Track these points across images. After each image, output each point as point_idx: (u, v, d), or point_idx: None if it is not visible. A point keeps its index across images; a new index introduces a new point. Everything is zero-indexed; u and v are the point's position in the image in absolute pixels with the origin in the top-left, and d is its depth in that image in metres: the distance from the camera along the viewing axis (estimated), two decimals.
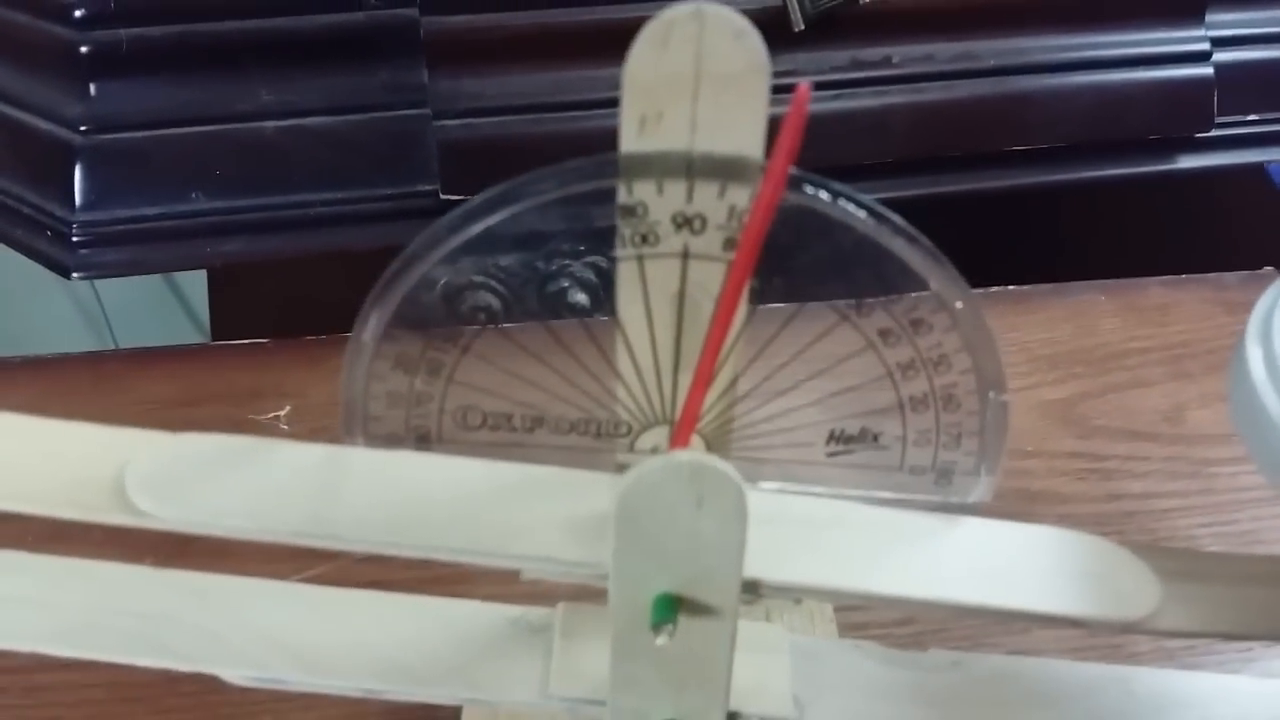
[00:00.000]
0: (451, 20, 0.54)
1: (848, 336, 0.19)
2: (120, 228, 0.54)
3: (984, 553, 0.21)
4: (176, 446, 0.20)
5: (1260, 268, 0.46)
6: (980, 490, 0.21)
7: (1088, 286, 0.45)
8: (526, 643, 0.22)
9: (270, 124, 0.54)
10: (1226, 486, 0.34)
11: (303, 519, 0.19)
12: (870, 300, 0.19)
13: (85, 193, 0.53)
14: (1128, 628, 0.20)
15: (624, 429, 0.21)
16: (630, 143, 0.18)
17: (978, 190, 0.56)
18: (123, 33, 0.53)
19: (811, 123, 0.58)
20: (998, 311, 0.42)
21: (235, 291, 0.75)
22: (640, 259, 0.19)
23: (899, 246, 0.18)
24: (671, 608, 0.19)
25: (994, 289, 0.45)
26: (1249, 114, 0.57)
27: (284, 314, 0.50)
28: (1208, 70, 0.56)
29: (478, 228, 0.20)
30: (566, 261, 0.62)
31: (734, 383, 0.20)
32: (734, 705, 0.20)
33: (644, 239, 0.19)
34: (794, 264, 0.18)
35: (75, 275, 0.55)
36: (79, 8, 0.51)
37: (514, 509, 0.20)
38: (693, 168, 0.18)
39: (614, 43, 0.61)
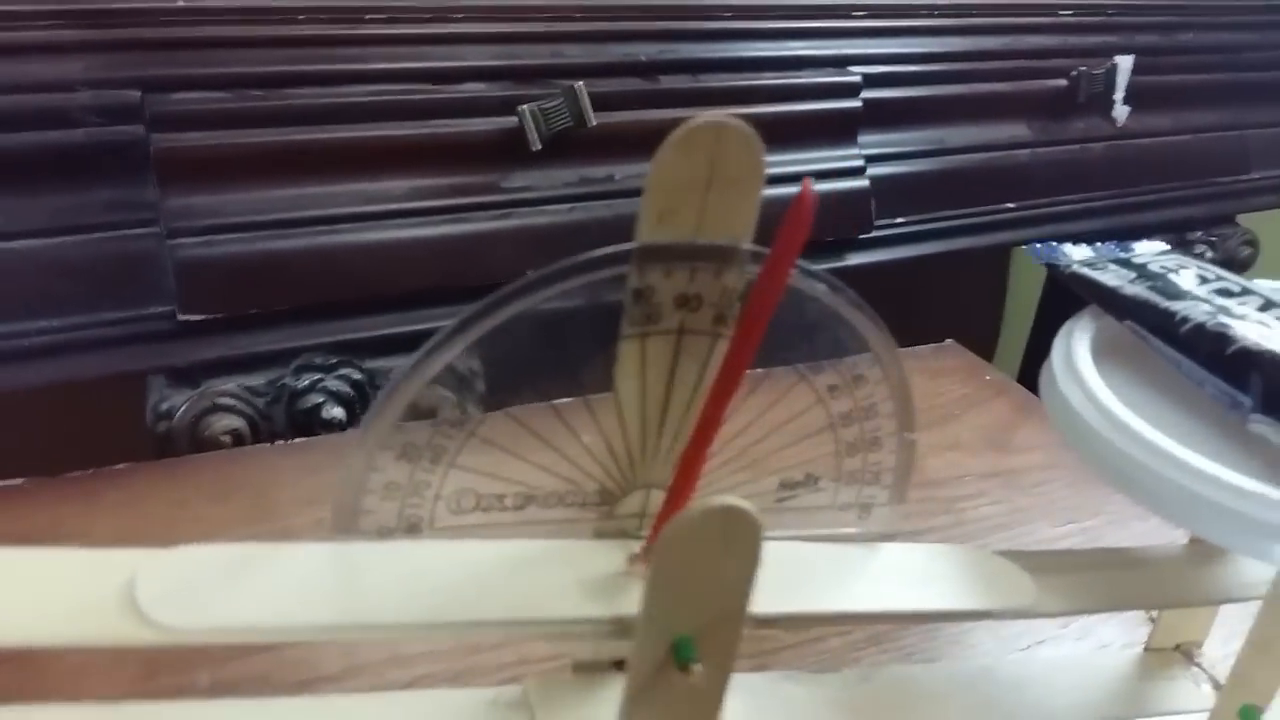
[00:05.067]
0: (184, 137, 0.52)
1: (802, 393, 0.23)
2: None
3: (903, 570, 0.25)
4: (179, 559, 0.19)
5: (941, 340, 0.55)
6: (892, 520, 0.25)
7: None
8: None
9: None
10: (973, 517, 0.42)
11: (331, 613, 0.19)
12: (823, 361, 0.23)
13: None
14: (1019, 614, 0.25)
15: (607, 497, 0.23)
16: (647, 234, 0.20)
17: None
18: None
19: (552, 233, 0.63)
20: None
21: None
22: (644, 336, 0.21)
23: (851, 314, 0.22)
24: (693, 647, 0.21)
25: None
26: (898, 217, 0.69)
27: (22, 450, 0.44)
28: (864, 183, 0.67)
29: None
30: (318, 375, 0.61)
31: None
32: None
33: (648, 318, 0.21)
34: (771, 333, 0.21)
35: None
36: None
37: (527, 578, 0.21)
38: (697, 254, 0.21)
39: (354, 159, 0.62)
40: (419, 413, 0.21)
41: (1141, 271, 0.28)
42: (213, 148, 0.53)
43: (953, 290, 0.96)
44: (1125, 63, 0.76)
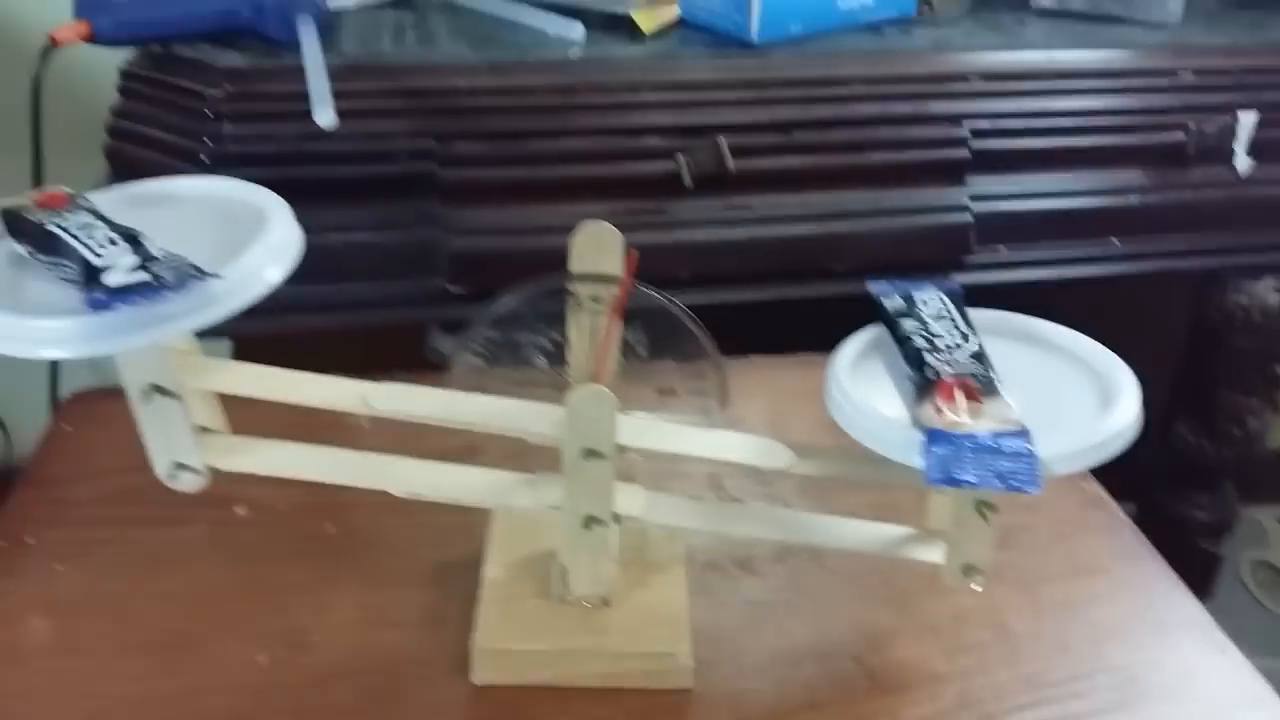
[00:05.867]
0: (460, 172, 0.80)
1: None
2: None
3: (719, 438, 0.46)
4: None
5: None
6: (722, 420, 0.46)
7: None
8: (530, 484, 0.46)
9: (335, 236, 0.79)
10: None
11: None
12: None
13: None
14: (777, 472, 0.44)
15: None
16: (574, 267, 0.43)
17: (811, 295, 0.82)
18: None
19: (701, 248, 0.89)
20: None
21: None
22: (577, 314, 0.44)
23: (685, 321, 0.44)
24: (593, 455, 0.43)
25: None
26: (997, 246, 0.85)
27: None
28: (966, 218, 0.83)
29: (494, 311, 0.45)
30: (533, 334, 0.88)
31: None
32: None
33: (579, 305, 0.44)
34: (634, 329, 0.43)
35: None
36: None
37: (517, 409, 0.45)
38: (597, 279, 0.43)
39: (567, 189, 0.90)
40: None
41: (910, 308, 0.46)
42: (477, 179, 0.80)
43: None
44: (1248, 118, 0.85)
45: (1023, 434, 0.39)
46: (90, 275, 0.36)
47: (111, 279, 0.36)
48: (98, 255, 0.37)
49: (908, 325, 0.44)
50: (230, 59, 0.80)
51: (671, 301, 0.44)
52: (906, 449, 0.40)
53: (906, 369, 0.43)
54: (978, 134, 0.83)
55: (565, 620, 0.47)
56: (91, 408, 0.66)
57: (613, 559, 0.46)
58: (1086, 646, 0.48)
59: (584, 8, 0.88)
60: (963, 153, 0.83)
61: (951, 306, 0.46)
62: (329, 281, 0.79)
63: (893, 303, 0.46)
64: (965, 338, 0.43)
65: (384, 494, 0.59)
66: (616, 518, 0.45)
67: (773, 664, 0.47)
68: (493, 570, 0.50)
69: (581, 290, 0.44)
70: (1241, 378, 0.96)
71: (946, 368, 0.41)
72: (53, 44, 0.80)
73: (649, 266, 0.83)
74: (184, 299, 0.37)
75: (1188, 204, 0.87)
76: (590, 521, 0.44)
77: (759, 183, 0.81)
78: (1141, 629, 0.50)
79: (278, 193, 0.85)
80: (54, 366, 0.99)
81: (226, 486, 0.59)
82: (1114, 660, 0.48)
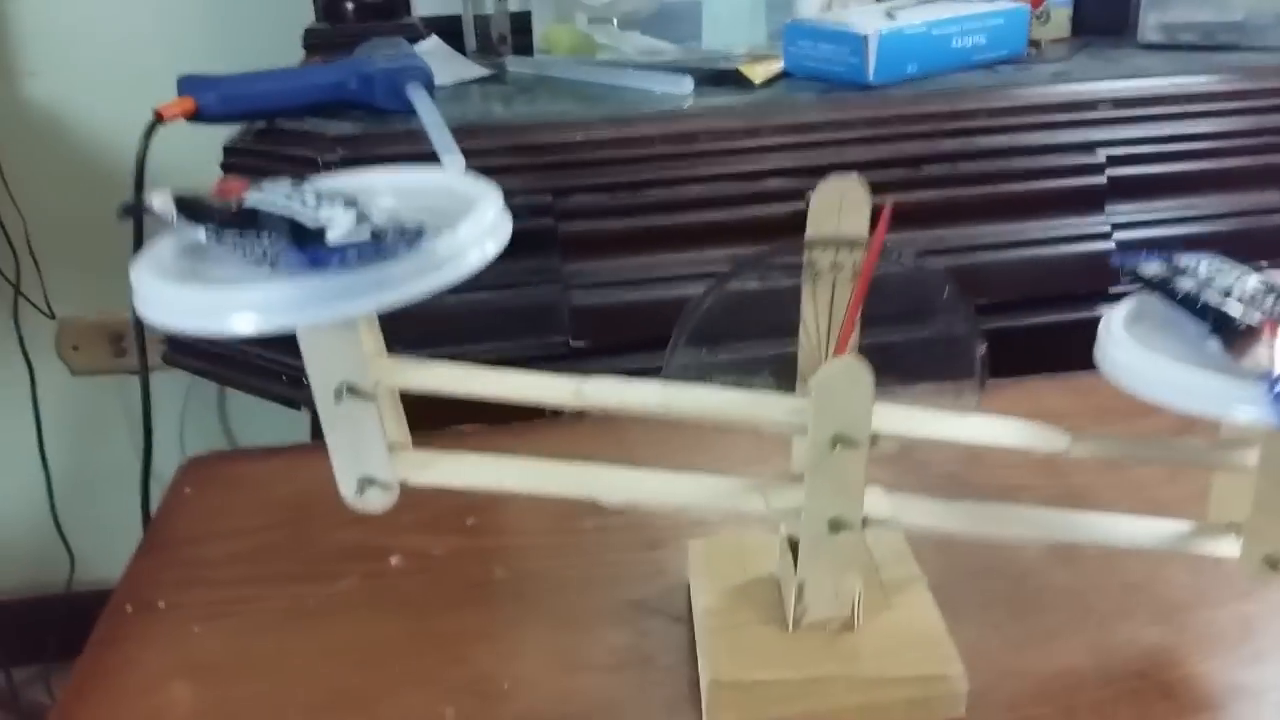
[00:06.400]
0: (577, 224, 0.77)
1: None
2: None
3: (979, 421, 0.40)
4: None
5: None
6: (975, 404, 0.41)
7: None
8: (760, 489, 0.40)
9: (451, 297, 0.76)
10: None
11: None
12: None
13: None
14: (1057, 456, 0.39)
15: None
16: (812, 232, 0.39)
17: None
18: None
19: None
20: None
21: None
22: (814, 285, 0.39)
23: (930, 267, 0.39)
24: (844, 442, 0.38)
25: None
26: None
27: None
28: (1109, 245, 0.79)
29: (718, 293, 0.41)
30: None
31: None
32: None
33: (816, 276, 0.39)
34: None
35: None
36: None
37: (748, 397, 0.40)
38: (840, 242, 0.39)
39: (689, 236, 0.86)
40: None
41: (1178, 270, 0.41)
42: (596, 231, 0.77)
43: None
44: None
45: None
46: (304, 235, 0.32)
47: (333, 235, 0.32)
48: (311, 214, 0.33)
49: (1185, 283, 0.39)
50: (341, 128, 0.79)
51: (925, 263, 0.39)
52: (1234, 400, 0.34)
53: (1197, 326, 0.38)
54: (1113, 161, 0.80)
55: (807, 647, 0.40)
56: (213, 470, 0.61)
57: (859, 573, 0.40)
58: None
59: (688, 67, 0.87)
60: (1100, 180, 0.79)
61: (1223, 261, 0.41)
62: (448, 344, 0.75)
63: (1155, 268, 0.42)
64: (1261, 285, 0.39)
65: (556, 536, 0.54)
66: (865, 521, 0.39)
67: (1051, 688, 0.41)
68: (706, 599, 0.44)
69: (820, 257, 0.39)
70: None
71: (1258, 313, 0.36)
72: (158, 119, 0.78)
73: (777, 312, 0.78)
74: (410, 261, 0.33)
75: None
76: (837, 525, 0.39)
77: (891, 219, 0.77)
78: None
79: None
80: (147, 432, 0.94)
81: (377, 537, 0.54)
82: None
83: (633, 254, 0.77)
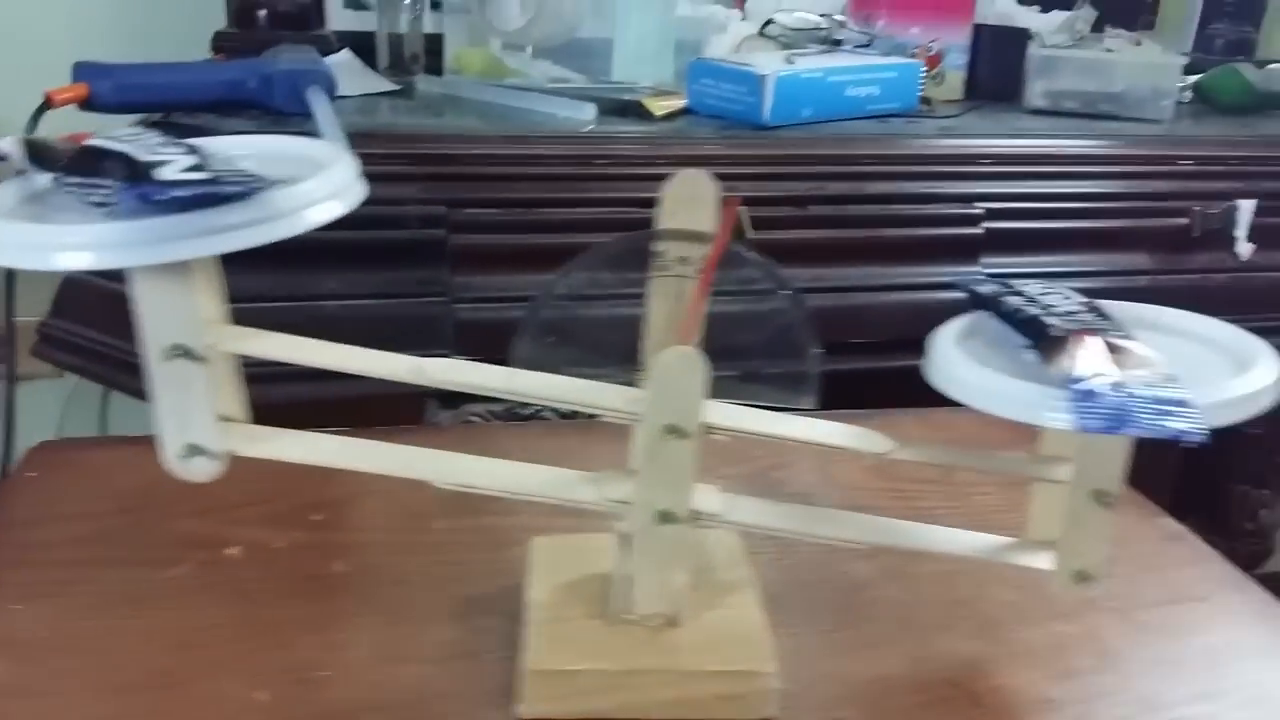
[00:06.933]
0: (470, 238, 0.77)
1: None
2: None
3: (815, 428, 0.41)
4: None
5: None
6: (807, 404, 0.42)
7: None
8: (595, 479, 0.41)
9: (332, 303, 0.75)
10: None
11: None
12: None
13: None
14: (878, 458, 0.40)
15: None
16: (663, 224, 0.40)
17: (829, 369, 0.79)
18: None
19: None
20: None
21: None
22: (661, 277, 0.40)
23: (757, 262, 0.40)
24: (675, 432, 0.38)
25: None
26: None
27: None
28: None
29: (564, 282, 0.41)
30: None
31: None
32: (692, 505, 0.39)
33: (664, 268, 0.40)
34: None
35: None
36: None
37: (587, 384, 0.40)
38: (689, 235, 0.40)
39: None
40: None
41: (1009, 290, 0.43)
42: (487, 246, 0.77)
43: None
44: (1247, 205, 0.87)
45: (1174, 382, 0.35)
46: (137, 172, 0.32)
47: (164, 173, 0.32)
48: (149, 156, 0.33)
49: (1013, 301, 0.41)
50: (236, 125, 0.78)
51: (767, 263, 0.40)
52: (1041, 407, 0.36)
53: (1021, 339, 0.39)
54: (991, 214, 0.83)
55: (629, 640, 0.41)
56: (59, 455, 0.60)
57: (685, 569, 0.41)
58: (1204, 668, 0.43)
59: (593, 96, 0.88)
60: (977, 231, 0.82)
61: (1054, 286, 0.43)
62: None
63: (989, 288, 0.43)
64: (1082, 305, 0.40)
65: (403, 534, 0.53)
66: (694, 516, 0.40)
67: (862, 693, 0.41)
68: (538, 593, 0.44)
69: (669, 250, 0.40)
70: (1250, 468, 0.93)
71: (1072, 325, 0.38)
72: (48, 103, 0.77)
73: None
74: (248, 209, 0.33)
75: (1194, 286, 0.87)
76: (665, 517, 0.39)
77: (775, 254, 0.79)
78: (1259, 649, 0.45)
79: (276, 256, 0.81)
80: (8, 430, 0.91)
81: (218, 528, 0.53)
82: (1237, 680, 0.43)
83: (522, 271, 0.78)
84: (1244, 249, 0.87)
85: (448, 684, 0.42)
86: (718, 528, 0.41)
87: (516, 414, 0.78)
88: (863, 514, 0.42)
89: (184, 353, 0.37)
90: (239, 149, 0.39)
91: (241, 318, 0.75)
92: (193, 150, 0.34)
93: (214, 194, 0.32)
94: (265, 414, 0.58)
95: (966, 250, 0.82)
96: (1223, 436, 1.06)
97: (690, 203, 0.40)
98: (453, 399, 0.77)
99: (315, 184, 0.35)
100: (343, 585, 0.48)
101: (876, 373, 0.79)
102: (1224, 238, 0.87)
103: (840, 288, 0.80)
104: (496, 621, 0.45)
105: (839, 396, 0.62)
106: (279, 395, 0.74)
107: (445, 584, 0.48)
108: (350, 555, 0.51)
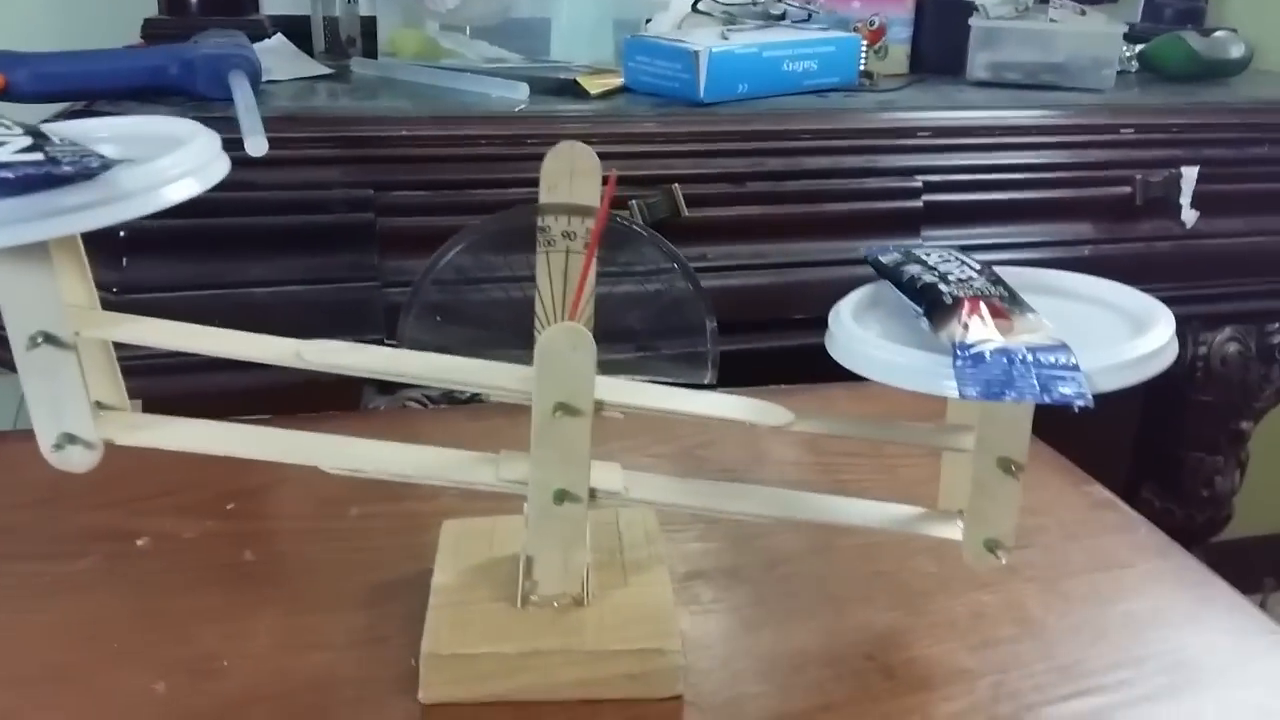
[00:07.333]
0: (399, 221, 0.76)
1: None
2: (138, 363, 0.72)
3: (710, 403, 0.40)
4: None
5: None
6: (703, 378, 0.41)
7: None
8: (491, 460, 0.39)
9: (260, 290, 0.74)
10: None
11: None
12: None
13: None
14: (777, 430, 0.39)
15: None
16: (545, 198, 0.38)
17: (769, 346, 0.79)
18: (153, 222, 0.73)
19: (647, 295, 0.79)
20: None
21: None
22: (548, 254, 0.39)
23: (648, 238, 0.39)
24: (567, 410, 0.37)
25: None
26: None
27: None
28: None
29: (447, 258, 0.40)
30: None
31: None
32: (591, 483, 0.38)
33: (550, 244, 0.39)
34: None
35: None
36: None
37: (475, 363, 0.39)
38: (571, 210, 0.38)
39: (513, 240, 0.82)
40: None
41: (910, 257, 0.42)
42: (416, 228, 0.76)
43: None
44: (1190, 172, 0.86)
45: (1061, 347, 0.34)
46: None
47: None
48: None
49: (911, 269, 0.40)
50: (155, 112, 0.76)
51: (657, 237, 0.39)
52: (930, 375, 0.35)
53: (916, 307, 0.38)
54: (930, 187, 0.82)
55: (532, 622, 0.40)
56: None
57: (587, 548, 0.40)
58: (1125, 635, 0.43)
59: (529, 76, 0.87)
60: (916, 204, 0.81)
61: (956, 253, 0.42)
62: None
63: (889, 257, 0.42)
64: (978, 271, 0.40)
65: (316, 522, 0.52)
66: (593, 494, 0.39)
67: (774, 668, 0.40)
68: (443, 576, 0.42)
69: (553, 225, 0.39)
70: (1205, 436, 0.93)
71: (964, 291, 0.37)
72: None
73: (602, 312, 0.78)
74: (87, 190, 0.31)
75: (1139, 255, 0.86)
76: (562, 496, 0.38)
77: (714, 232, 0.78)
78: (1181, 616, 0.44)
79: (200, 243, 0.79)
80: None
81: (127, 520, 0.51)
82: (1158, 647, 0.42)
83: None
84: (1188, 216, 0.86)
85: (352, 670, 0.41)
86: (620, 506, 0.40)
87: (455, 399, 0.77)
88: (772, 488, 0.41)
89: (49, 339, 0.36)
90: (100, 131, 0.37)
91: (167, 307, 0.74)
92: (36, 133, 0.32)
93: (47, 174, 0.30)
94: (193, 403, 0.57)
95: (907, 223, 0.81)
96: (1175, 404, 1.06)
97: (571, 176, 0.39)
98: (389, 385, 0.76)
99: (168, 161, 0.33)
100: (251, 574, 0.47)
101: (818, 348, 0.78)
102: (1168, 206, 0.86)
103: (780, 264, 0.79)
104: (407, 607, 0.44)
105: (781, 372, 0.61)
106: (212, 385, 0.74)
107: (357, 570, 0.47)
108: (261, 544, 0.49)
